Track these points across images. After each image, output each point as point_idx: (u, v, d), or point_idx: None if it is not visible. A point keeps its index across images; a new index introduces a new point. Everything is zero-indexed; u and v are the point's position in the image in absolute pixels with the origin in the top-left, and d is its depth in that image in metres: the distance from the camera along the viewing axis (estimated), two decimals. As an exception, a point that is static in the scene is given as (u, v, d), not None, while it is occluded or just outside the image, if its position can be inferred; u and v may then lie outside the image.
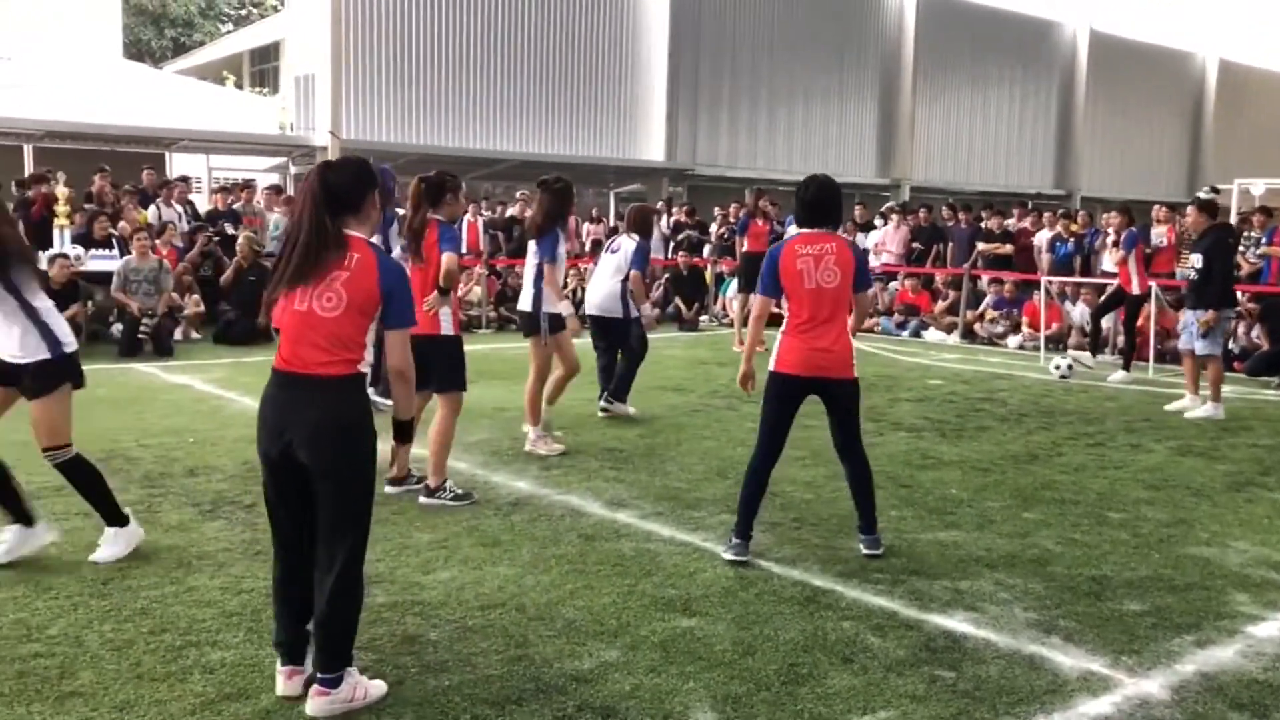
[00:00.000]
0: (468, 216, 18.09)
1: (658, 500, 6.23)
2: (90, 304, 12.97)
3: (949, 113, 31.30)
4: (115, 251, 13.62)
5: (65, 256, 12.44)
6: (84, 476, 5.10)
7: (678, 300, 17.51)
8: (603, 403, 8.78)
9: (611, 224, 21.33)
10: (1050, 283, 14.82)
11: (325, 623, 3.53)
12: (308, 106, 22.72)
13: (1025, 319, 15.06)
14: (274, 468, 3.54)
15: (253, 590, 4.61)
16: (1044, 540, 5.60)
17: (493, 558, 5.13)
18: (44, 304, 4.90)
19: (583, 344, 8.43)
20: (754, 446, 5.33)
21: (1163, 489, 6.80)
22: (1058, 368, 11.86)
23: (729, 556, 5.11)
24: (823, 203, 5.23)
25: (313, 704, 3.50)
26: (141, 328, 12.28)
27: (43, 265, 12.29)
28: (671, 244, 19.27)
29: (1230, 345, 9.69)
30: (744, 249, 14.38)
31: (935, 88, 30.58)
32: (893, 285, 17.54)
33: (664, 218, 20.15)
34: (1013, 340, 14.98)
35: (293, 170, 23.61)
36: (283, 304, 3.52)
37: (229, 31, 40.96)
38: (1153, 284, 12.23)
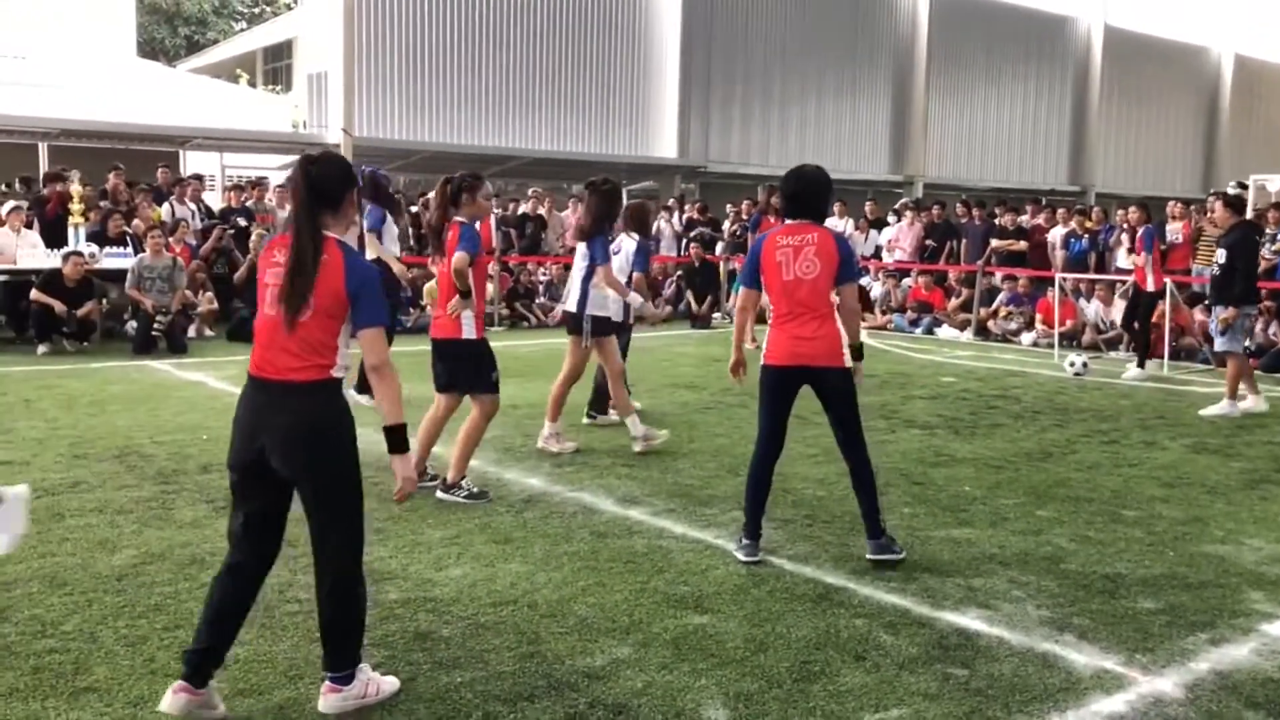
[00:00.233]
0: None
1: (670, 497, 6.23)
2: (104, 302, 13.03)
3: (962, 109, 31.19)
4: (129, 249, 13.67)
5: (79, 254, 12.50)
6: None
7: (689, 297, 17.48)
8: (589, 412, 8.54)
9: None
10: (1064, 279, 14.76)
11: (330, 624, 3.52)
12: (320, 104, 22.81)
13: (1039, 316, 15.02)
14: (244, 473, 3.45)
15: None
16: (1058, 538, 5.58)
17: (505, 554, 5.13)
18: None
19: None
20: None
21: (1177, 486, 6.76)
22: (1072, 364, 11.82)
23: (740, 557, 5.09)
24: (801, 195, 5.18)
25: (324, 701, 3.50)
26: (155, 325, 12.32)
27: (56, 263, 12.38)
28: (684, 241, 19.26)
29: (1246, 342, 9.61)
30: (756, 246, 14.35)
31: (948, 84, 30.48)
32: (906, 282, 17.50)
33: (676, 215, 20.14)
34: (1026, 337, 14.93)
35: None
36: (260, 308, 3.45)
37: (242, 29, 41.08)
38: (1167, 280, 12.16)
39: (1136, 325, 12.28)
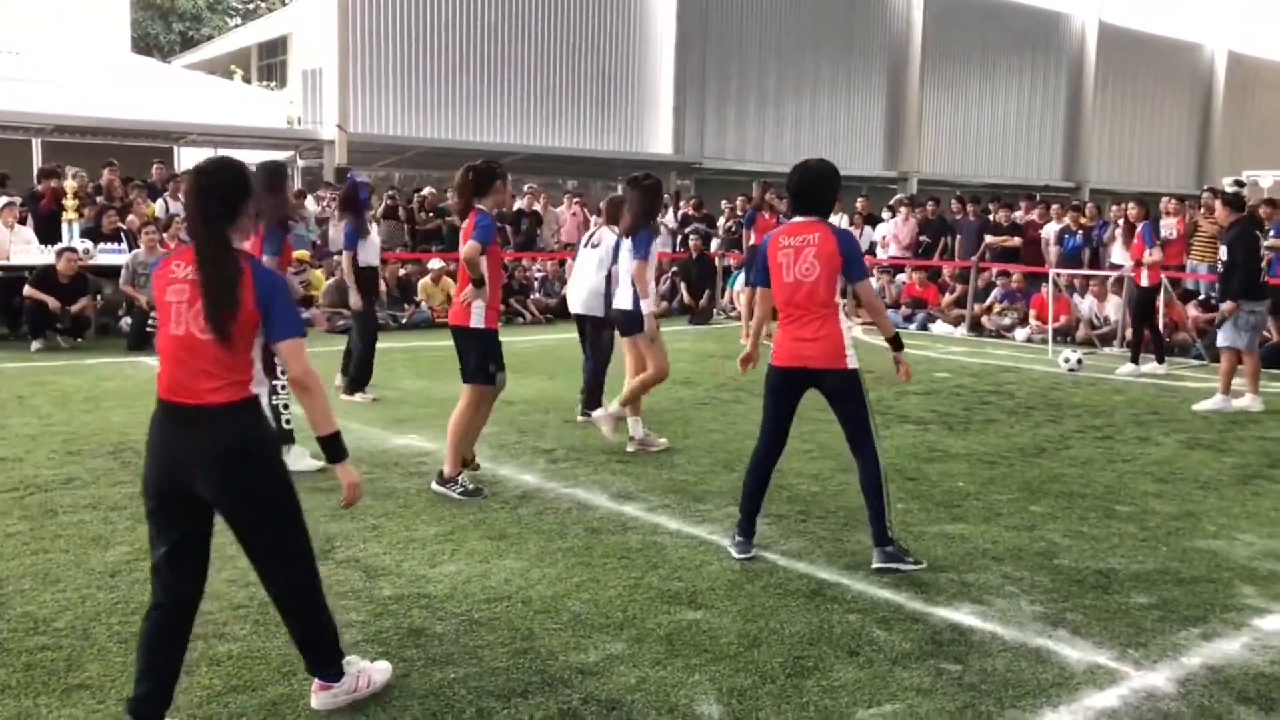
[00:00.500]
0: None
1: (664, 493, 6.23)
2: (99, 298, 13.01)
3: (957, 105, 31.21)
4: (124, 245, 13.65)
5: (74, 250, 12.48)
6: None
7: (684, 292, 17.49)
8: (583, 411, 8.35)
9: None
10: (1058, 275, 14.78)
11: (301, 635, 3.47)
12: (315, 100, 22.74)
13: (1033, 311, 15.03)
14: (162, 502, 3.26)
15: (259, 583, 4.61)
16: (1051, 533, 5.59)
17: (499, 550, 5.13)
18: None
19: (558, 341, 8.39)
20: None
21: (1170, 482, 6.78)
22: (1066, 360, 11.83)
23: (734, 554, 5.09)
24: (805, 191, 5.06)
25: (316, 699, 3.50)
26: (150, 321, 12.29)
27: (50, 259, 12.36)
28: (679, 237, 19.26)
29: (1247, 338, 9.56)
30: (751, 242, 14.35)
31: (943, 80, 30.49)
32: (900, 278, 17.52)
33: (671, 211, 20.14)
34: (1020, 333, 14.95)
35: (300, 164, 23.63)
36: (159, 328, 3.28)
37: (237, 25, 40.98)
38: (1163, 276, 12.18)
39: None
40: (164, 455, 3.24)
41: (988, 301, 15.87)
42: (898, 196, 20.87)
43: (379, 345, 9.43)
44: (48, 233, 13.38)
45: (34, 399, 8.82)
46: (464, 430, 6.18)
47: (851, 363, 4.92)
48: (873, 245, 18.36)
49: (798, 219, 5.06)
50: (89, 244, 13.14)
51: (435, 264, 15.88)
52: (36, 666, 3.77)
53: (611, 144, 25.24)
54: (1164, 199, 15.30)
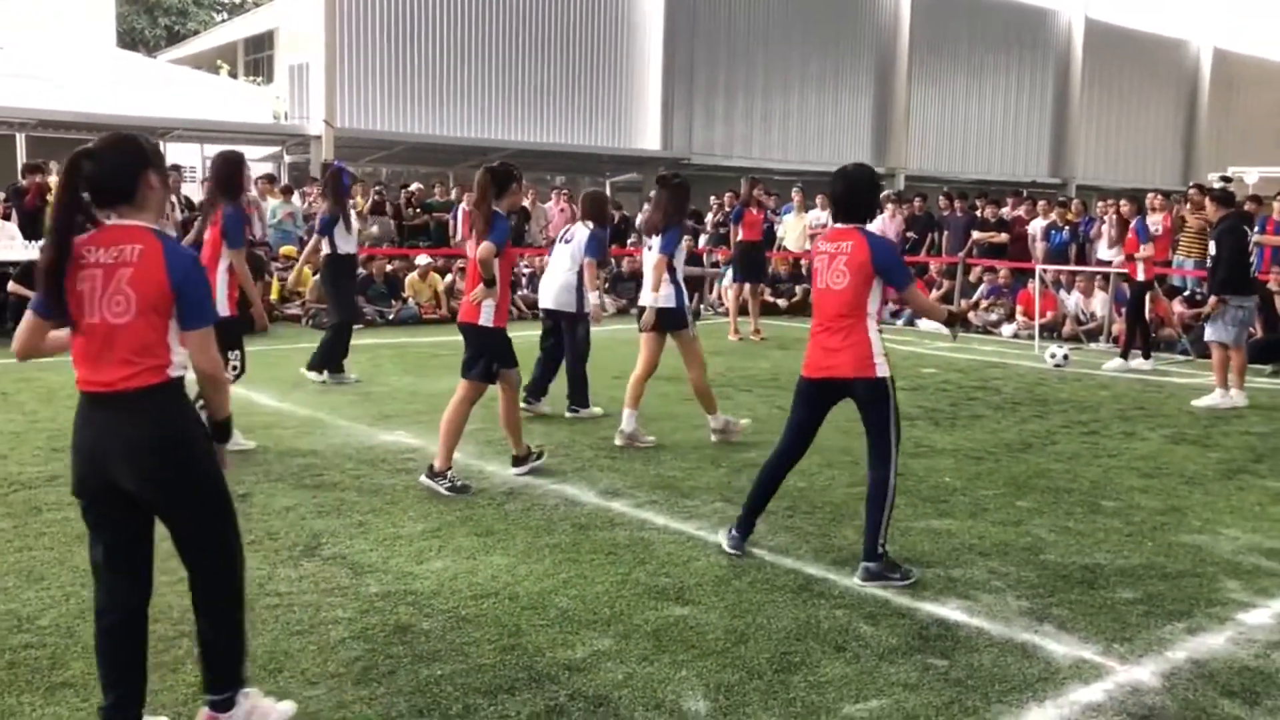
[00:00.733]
0: (462, 205, 18.07)
1: (652, 489, 6.23)
2: (83, 294, 12.93)
3: (944, 101, 31.27)
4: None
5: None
6: None
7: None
8: (526, 398, 8.27)
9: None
10: (1045, 271, 14.83)
11: (209, 644, 3.26)
12: (302, 95, 22.69)
13: (1020, 307, 15.08)
14: (93, 500, 3.16)
15: (246, 580, 4.59)
16: (1037, 528, 5.61)
17: (486, 547, 5.12)
18: None
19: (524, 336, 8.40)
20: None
21: (1156, 477, 6.81)
22: (1052, 356, 11.87)
23: (725, 546, 5.09)
24: (842, 198, 4.95)
25: None
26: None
27: (35, 255, 12.29)
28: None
29: (1233, 332, 9.59)
30: (739, 238, 14.36)
31: (930, 76, 30.55)
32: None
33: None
34: (1007, 329, 15.00)
35: (287, 159, 23.55)
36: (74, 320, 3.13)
37: (223, 20, 40.79)
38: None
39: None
40: (85, 447, 3.14)
41: (975, 297, 15.91)
42: (885, 192, 20.87)
43: (372, 341, 9.44)
44: (32, 228, 13.29)
45: (19, 395, 8.77)
46: (454, 427, 6.17)
47: (881, 371, 4.78)
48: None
49: (838, 225, 4.98)
50: (74, 239, 13.06)
51: (422, 260, 15.84)
52: (20, 664, 3.75)
53: (599, 139, 25.22)
54: (1150, 195, 15.35)
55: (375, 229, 15.91)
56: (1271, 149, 37.43)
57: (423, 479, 6.13)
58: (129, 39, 37.49)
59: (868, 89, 29.53)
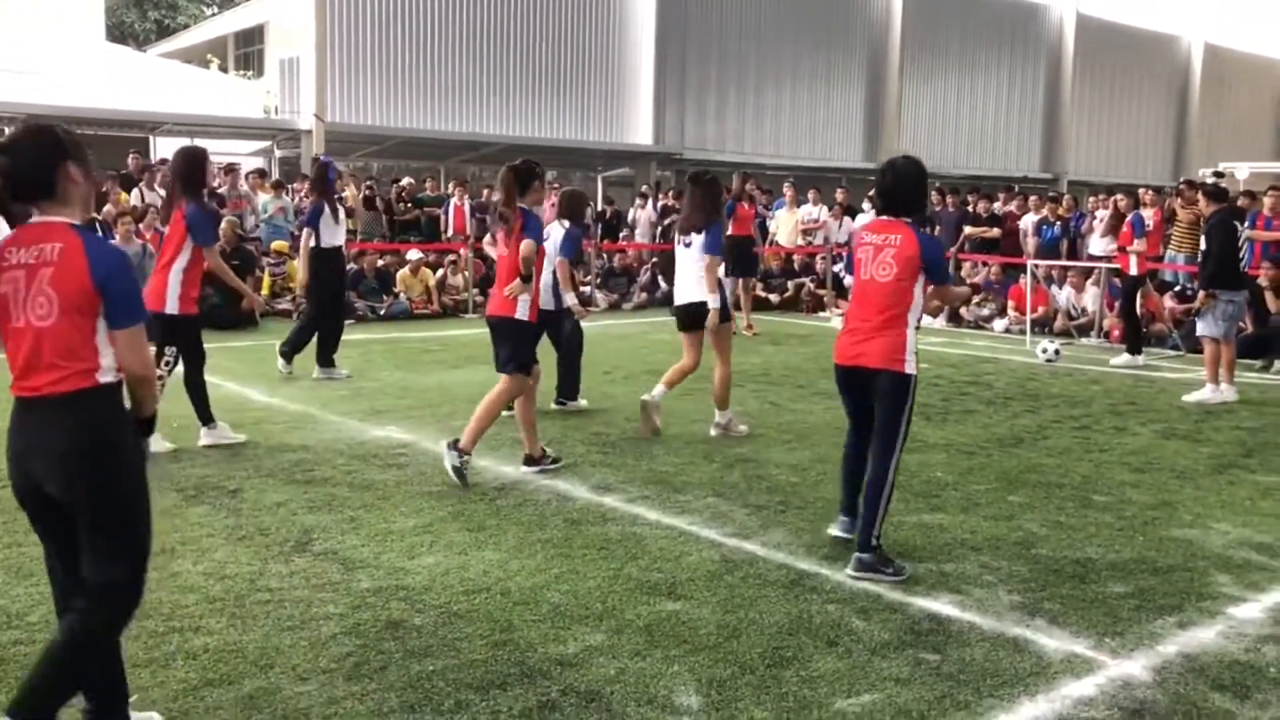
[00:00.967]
0: (454, 200, 18.05)
1: (644, 484, 6.23)
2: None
3: (936, 96, 31.28)
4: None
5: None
6: None
7: (664, 284, 17.48)
8: (558, 399, 8.44)
9: (599, 207, 21.28)
10: (1036, 266, 14.84)
11: (52, 669, 2.99)
12: (293, 90, 22.59)
13: (1011, 302, 15.09)
14: (31, 505, 3.06)
15: (235, 576, 4.60)
16: (1029, 523, 5.62)
17: (478, 542, 5.12)
18: None
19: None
20: None
21: (1147, 472, 6.82)
22: (1044, 351, 11.89)
23: (838, 533, 5.16)
24: (890, 191, 4.97)
25: None
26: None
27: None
28: (659, 229, 19.24)
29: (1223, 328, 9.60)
30: (730, 233, 14.33)
31: (922, 71, 30.55)
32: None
33: (651, 202, 20.13)
34: (999, 324, 15.01)
35: (277, 154, 23.48)
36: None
37: (213, 14, 40.63)
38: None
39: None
40: (15, 453, 3.03)
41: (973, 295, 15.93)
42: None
43: (363, 336, 9.44)
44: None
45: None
46: (490, 414, 6.29)
47: (909, 368, 4.83)
48: (852, 236, 18.39)
49: (883, 217, 5.00)
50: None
51: (413, 255, 15.81)
52: (9, 660, 3.73)
53: (591, 134, 25.18)
54: (1141, 190, 15.37)
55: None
56: (1262, 144, 37.55)
57: (444, 444, 6.24)
58: (118, 33, 37.35)
59: (859, 84, 29.53)
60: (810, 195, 18.98)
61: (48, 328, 2.95)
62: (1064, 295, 14.84)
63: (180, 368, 7.08)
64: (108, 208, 14.15)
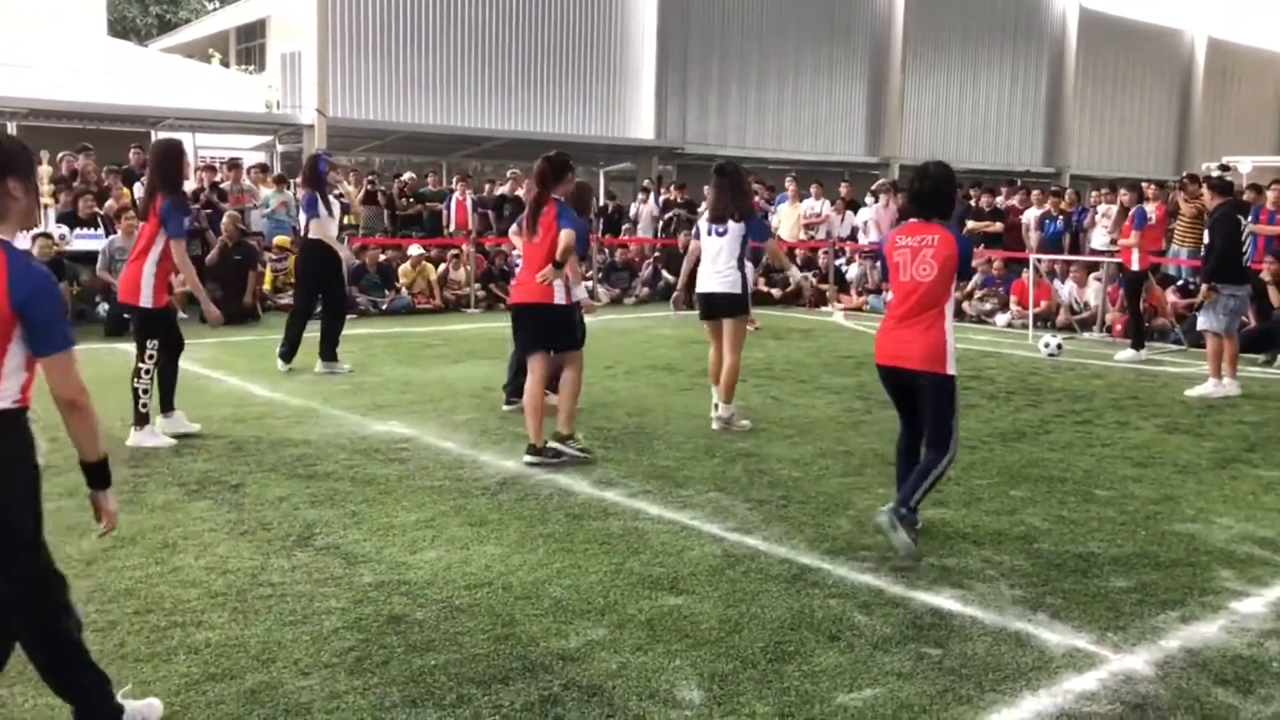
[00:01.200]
0: (456, 195, 18.05)
1: (646, 479, 6.22)
2: (76, 284, 12.89)
3: (938, 90, 31.22)
4: (100, 231, 13.52)
5: (49, 236, 12.36)
6: None
7: (667, 277, 17.47)
8: (509, 399, 8.21)
9: (601, 202, 21.26)
10: (1039, 260, 14.82)
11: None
12: (294, 84, 22.55)
13: (1014, 297, 15.07)
14: None
15: (238, 570, 4.60)
16: (1031, 518, 5.61)
17: (480, 537, 5.12)
18: None
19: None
20: None
21: (1149, 466, 6.81)
22: (1046, 345, 11.88)
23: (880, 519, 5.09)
24: (924, 195, 5.11)
25: None
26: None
27: (25, 245, 12.24)
28: (660, 223, 19.23)
29: (1224, 321, 9.59)
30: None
31: (925, 65, 30.49)
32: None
33: (653, 196, 20.11)
34: (1001, 318, 14.99)
35: (279, 149, 23.47)
36: None
37: (215, 9, 40.58)
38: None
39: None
40: None
41: (969, 287, 15.90)
42: (880, 182, 20.83)
43: (365, 330, 9.44)
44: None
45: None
46: (576, 391, 6.64)
47: (950, 369, 4.94)
48: (855, 231, 18.38)
49: (914, 220, 5.14)
50: (64, 229, 13.02)
51: (415, 249, 15.80)
52: (12, 655, 3.73)
53: (594, 129, 25.15)
54: (1144, 184, 15.35)
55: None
56: (1265, 139, 37.50)
57: (550, 442, 6.48)
58: (120, 28, 37.32)
59: (862, 78, 29.48)
60: (813, 189, 18.95)
61: None
62: (1066, 290, 14.81)
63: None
64: (109, 203, 14.18)
